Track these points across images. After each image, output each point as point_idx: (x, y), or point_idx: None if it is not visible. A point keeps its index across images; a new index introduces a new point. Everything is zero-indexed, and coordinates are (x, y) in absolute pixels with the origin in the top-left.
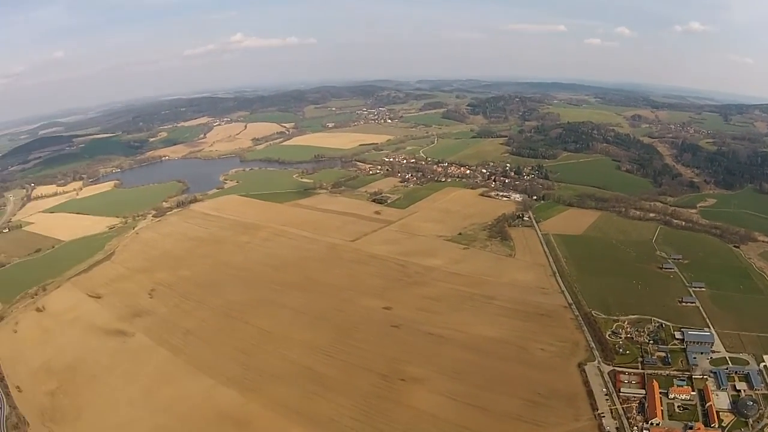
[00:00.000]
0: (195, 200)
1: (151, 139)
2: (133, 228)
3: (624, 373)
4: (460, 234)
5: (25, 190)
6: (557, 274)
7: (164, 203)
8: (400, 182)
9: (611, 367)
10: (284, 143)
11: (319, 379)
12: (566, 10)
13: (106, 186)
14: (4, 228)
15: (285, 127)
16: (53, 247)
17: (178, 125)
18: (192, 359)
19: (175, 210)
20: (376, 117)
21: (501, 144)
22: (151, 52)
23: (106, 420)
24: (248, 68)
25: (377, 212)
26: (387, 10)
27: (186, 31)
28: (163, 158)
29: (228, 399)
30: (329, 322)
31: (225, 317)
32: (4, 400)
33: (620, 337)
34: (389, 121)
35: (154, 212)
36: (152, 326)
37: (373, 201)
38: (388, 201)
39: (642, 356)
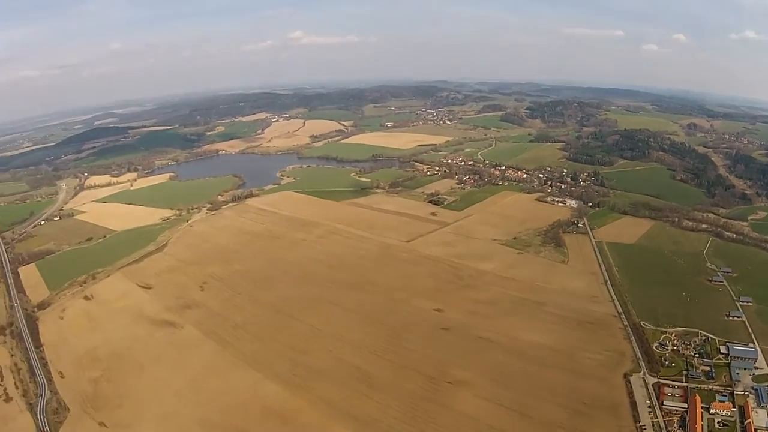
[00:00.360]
0: (251, 195)
1: (208, 133)
2: (187, 221)
3: (668, 385)
4: (514, 238)
5: (78, 180)
6: (608, 282)
7: (219, 197)
8: (457, 184)
9: (656, 379)
10: (342, 141)
11: (366, 379)
12: (624, 15)
13: (161, 178)
14: (56, 216)
15: (344, 125)
16: (105, 236)
17: (236, 120)
18: (240, 353)
19: (231, 204)
20: (435, 118)
21: (558, 149)
22: (207, 47)
23: (149, 409)
24: (308, 65)
25: (433, 213)
26: (447, 11)
27: (243, 26)
28: (220, 152)
29: (274, 394)
30: (380, 321)
31: (276, 313)
32: (46, 385)
33: (667, 349)
34: (448, 122)
35: (209, 205)
36: (202, 319)
37: (430, 202)
38: (445, 203)
39: (687, 369)
